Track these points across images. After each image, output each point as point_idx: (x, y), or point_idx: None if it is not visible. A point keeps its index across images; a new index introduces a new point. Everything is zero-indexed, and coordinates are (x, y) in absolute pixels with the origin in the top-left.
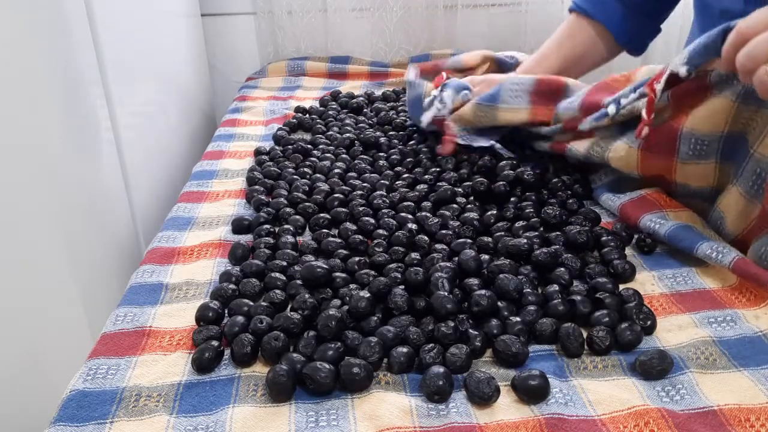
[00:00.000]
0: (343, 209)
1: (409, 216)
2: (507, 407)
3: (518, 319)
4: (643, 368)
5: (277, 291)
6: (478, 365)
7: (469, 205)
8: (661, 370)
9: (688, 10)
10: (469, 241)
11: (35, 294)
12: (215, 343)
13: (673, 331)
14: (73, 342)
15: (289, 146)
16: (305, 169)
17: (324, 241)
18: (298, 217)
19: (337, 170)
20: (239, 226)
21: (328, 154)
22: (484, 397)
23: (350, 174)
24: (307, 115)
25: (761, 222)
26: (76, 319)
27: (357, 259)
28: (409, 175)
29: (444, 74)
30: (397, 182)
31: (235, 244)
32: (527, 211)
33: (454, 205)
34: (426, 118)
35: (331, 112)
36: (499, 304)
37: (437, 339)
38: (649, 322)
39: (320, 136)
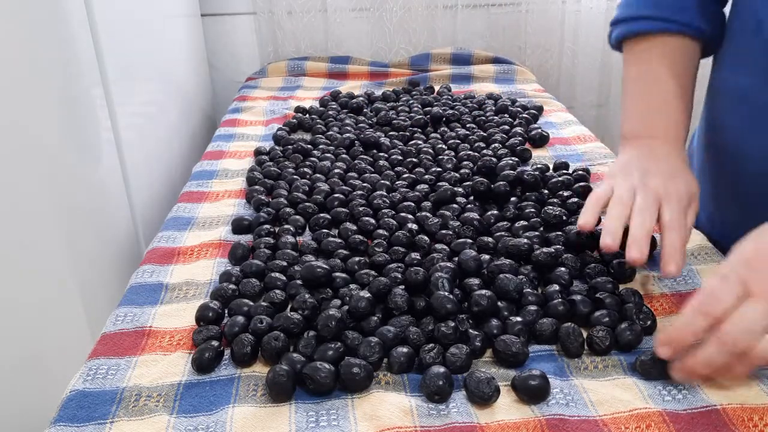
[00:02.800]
0: (344, 209)
1: (410, 216)
2: (507, 407)
3: (518, 319)
4: (643, 368)
5: (277, 291)
6: (478, 365)
7: (469, 205)
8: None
9: None
10: (469, 241)
11: (35, 294)
12: (215, 343)
13: None
14: (73, 342)
15: (289, 146)
16: (305, 169)
17: (324, 241)
18: (298, 217)
19: (337, 170)
20: (239, 226)
21: (328, 154)
22: (484, 397)
23: (350, 174)
24: (307, 115)
25: None
26: (76, 319)
27: (357, 259)
28: (410, 175)
29: None
30: (397, 182)
31: (235, 244)
32: (527, 211)
33: (455, 205)
34: None
35: (331, 112)
36: (499, 304)
37: (437, 339)
38: (649, 322)
39: (320, 136)
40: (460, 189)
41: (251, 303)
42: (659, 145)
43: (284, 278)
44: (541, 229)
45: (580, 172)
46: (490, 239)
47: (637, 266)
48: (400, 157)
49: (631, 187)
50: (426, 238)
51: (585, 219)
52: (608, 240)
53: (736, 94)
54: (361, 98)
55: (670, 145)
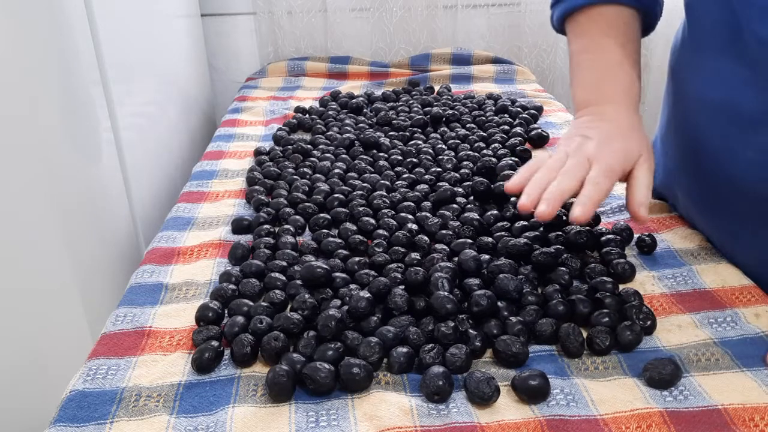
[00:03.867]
0: (343, 209)
1: (409, 216)
2: (508, 407)
3: (518, 319)
4: (651, 383)
5: (277, 291)
6: (478, 365)
7: (469, 205)
8: (668, 382)
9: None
10: (469, 241)
11: (35, 294)
12: (215, 343)
13: (673, 331)
14: (73, 342)
15: (289, 146)
16: (305, 169)
17: (324, 241)
18: (298, 217)
19: (337, 170)
20: (239, 226)
21: (328, 154)
22: (484, 397)
23: (350, 174)
24: (307, 115)
25: None
26: (76, 319)
27: (357, 259)
28: (410, 175)
29: None
30: (397, 182)
31: (235, 244)
32: None
33: (454, 205)
34: None
35: (331, 112)
36: (499, 304)
37: (437, 339)
38: (649, 322)
39: (320, 136)
40: (460, 189)
41: (251, 303)
42: (609, 109)
43: (284, 278)
44: (541, 229)
45: None
46: (490, 239)
47: (543, 220)
48: (400, 157)
49: (566, 153)
50: (426, 238)
51: (512, 181)
52: (524, 200)
53: (710, 104)
54: (361, 98)
55: (620, 107)
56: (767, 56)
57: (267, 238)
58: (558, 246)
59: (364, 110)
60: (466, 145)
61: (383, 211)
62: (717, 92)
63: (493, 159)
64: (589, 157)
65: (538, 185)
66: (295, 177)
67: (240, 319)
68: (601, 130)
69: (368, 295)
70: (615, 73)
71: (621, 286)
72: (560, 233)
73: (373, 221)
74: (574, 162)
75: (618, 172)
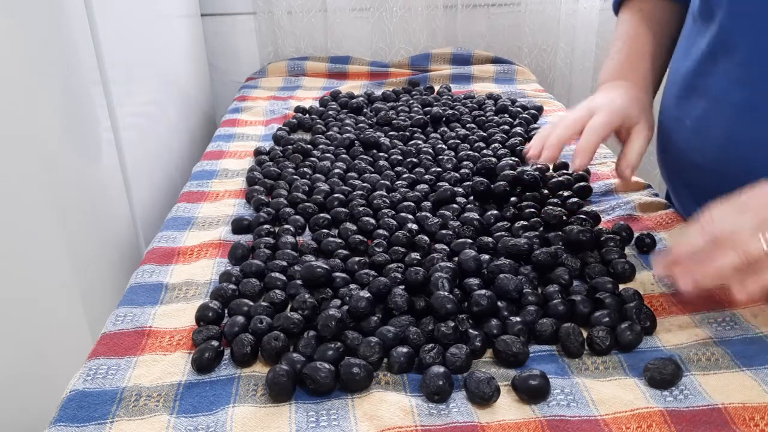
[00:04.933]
0: (343, 209)
1: (410, 216)
2: (508, 407)
3: (518, 319)
4: (652, 382)
5: (277, 291)
6: (478, 365)
7: (469, 205)
8: (670, 382)
9: None
10: (469, 241)
11: (35, 294)
12: (215, 343)
13: (673, 331)
14: (73, 342)
15: (289, 146)
16: (305, 169)
17: (324, 241)
18: (298, 217)
19: (337, 170)
20: (239, 226)
21: (328, 154)
22: (484, 397)
23: (350, 174)
24: (307, 115)
25: None
26: (76, 319)
27: (357, 259)
28: (410, 175)
29: None
30: (397, 182)
31: (235, 244)
32: (527, 211)
33: (454, 205)
34: None
35: (331, 112)
36: (499, 304)
37: (437, 339)
38: (649, 323)
39: (320, 136)
40: (460, 189)
41: (251, 303)
42: (621, 83)
43: (284, 278)
44: (541, 229)
45: (580, 172)
46: (490, 239)
47: (533, 160)
48: (400, 157)
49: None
50: (426, 238)
51: (529, 149)
52: (530, 152)
53: (674, 73)
54: (361, 98)
55: (633, 84)
56: (713, 27)
57: (267, 238)
58: (558, 246)
59: (364, 110)
60: (466, 145)
61: (383, 211)
62: (681, 63)
63: (493, 159)
64: (589, 108)
65: (543, 137)
66: (295, 177)
67: (240, 319)
68: (608, 93)
69: (368, 295)
70: (638, 61)
71: (621, 286)
72: (560, 233)
73: (373, 221)
74: (577, 113)
75: (615, 123)
